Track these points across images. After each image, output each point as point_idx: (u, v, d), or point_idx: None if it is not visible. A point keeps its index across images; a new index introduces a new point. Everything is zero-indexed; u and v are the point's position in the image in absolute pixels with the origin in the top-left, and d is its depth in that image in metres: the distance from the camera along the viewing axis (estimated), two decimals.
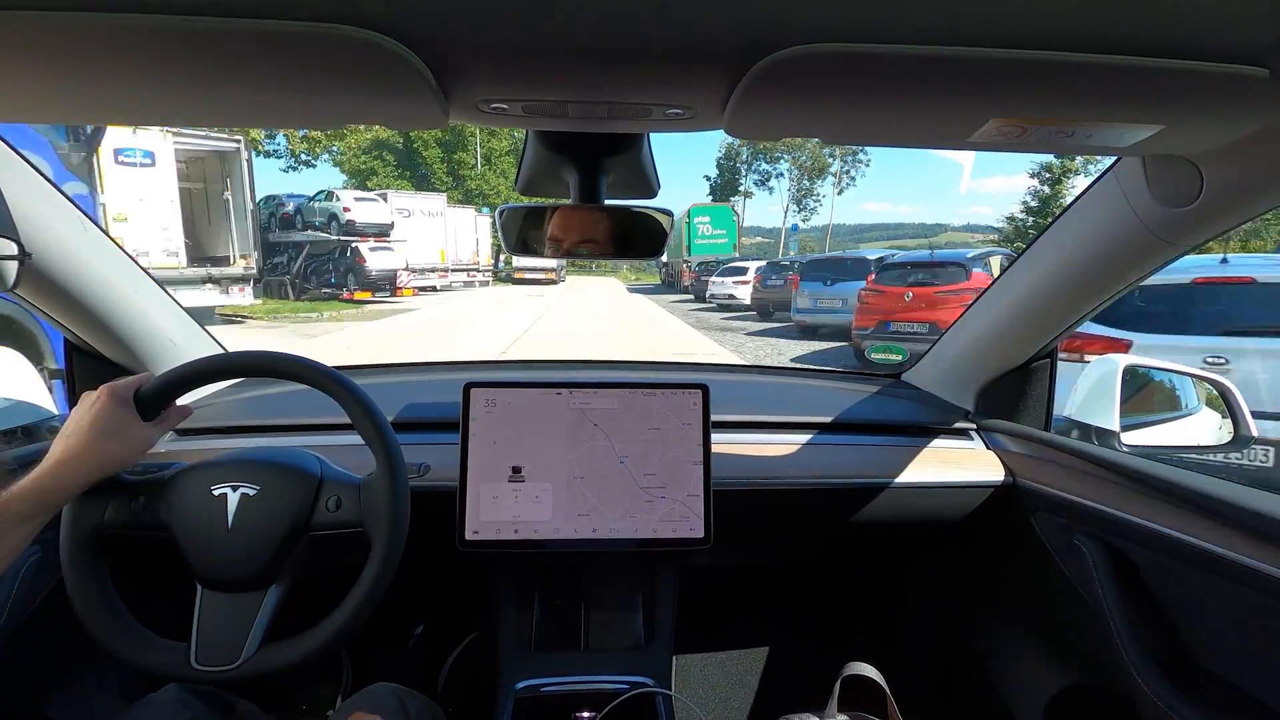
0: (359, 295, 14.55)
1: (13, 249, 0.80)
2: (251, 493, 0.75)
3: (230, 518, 0.74)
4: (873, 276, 8.23)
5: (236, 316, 11.19)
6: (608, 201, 0.79)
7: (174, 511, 0.75)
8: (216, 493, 0.75)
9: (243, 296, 9.94)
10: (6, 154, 0.81)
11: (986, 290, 1.17)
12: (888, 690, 0.91)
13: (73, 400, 1.06)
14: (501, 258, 25.64)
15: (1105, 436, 1.16)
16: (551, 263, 21.65)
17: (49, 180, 0.86)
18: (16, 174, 0.83)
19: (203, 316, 2.09)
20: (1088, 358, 1.89)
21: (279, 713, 0.87)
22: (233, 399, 1.21)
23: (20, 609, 0.83)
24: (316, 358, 0.82)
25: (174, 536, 0.74)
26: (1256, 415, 1.36)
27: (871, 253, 11.23)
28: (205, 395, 1.19)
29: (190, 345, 1.13)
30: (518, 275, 24.90)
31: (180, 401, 0.82)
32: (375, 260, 14.70)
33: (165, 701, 0.77)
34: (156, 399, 0.76)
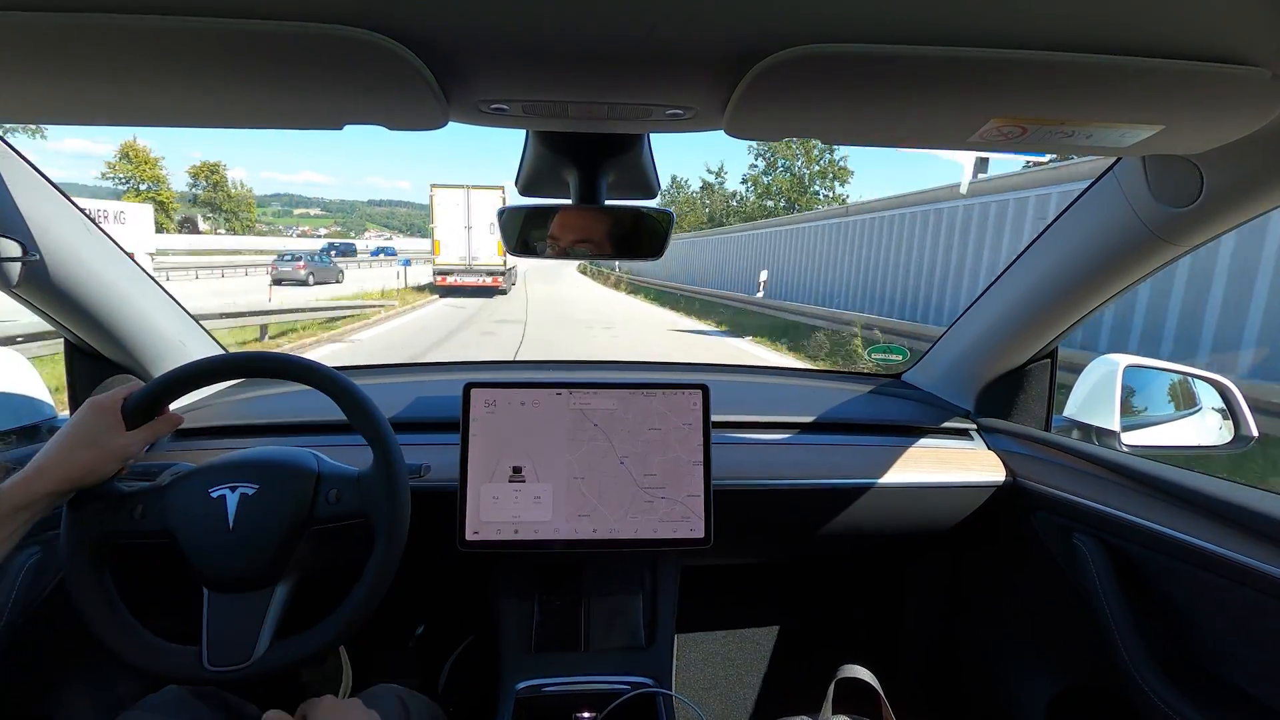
0: None
1: (16, 250, 0.80)
2: (250, 492, 0.75)
3: (231, 518, 0.74)
4: None
5: None
6: (608, 201, 0.79)
7: (174, 516, 0.75)
8: (215, 495, 0.75)
9: None
10: (9, 155, 0.81)
11: (986, 290, 1.17)
12: (881, 692, 0.91)
13: (74, 401, 1.07)
14: None
15: (1105, 436, 1.16)
16: (497, 261, 17.67)
17: (50, 182, 0.87)
18: (19, 175, 0.83)
19: None
20: None
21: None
22: (232, 400, 1.21)
23: (20, 609, 0.83)
24: None
25: (176, 541, 0.74)
26: None
27: None
28: (205, 396, 1.19)
29: (191, 346, 1.13)
30: (440, 282, 18.02)
31: (182, 402, 0.82)
32: None
33: (165, 702, 0.77)
34: (145, 407, 0.74)
